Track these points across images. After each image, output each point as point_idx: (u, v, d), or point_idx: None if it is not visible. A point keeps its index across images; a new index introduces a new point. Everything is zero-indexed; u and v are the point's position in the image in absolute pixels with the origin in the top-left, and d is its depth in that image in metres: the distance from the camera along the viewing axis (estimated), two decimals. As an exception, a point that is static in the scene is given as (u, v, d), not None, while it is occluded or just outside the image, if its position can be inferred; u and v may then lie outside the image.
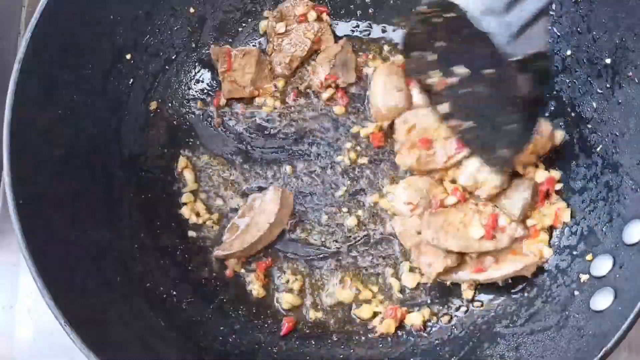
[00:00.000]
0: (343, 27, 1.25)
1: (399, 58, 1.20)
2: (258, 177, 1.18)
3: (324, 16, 1.23)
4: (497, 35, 0.81)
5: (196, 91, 1.22)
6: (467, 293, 1.09)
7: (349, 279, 1.12)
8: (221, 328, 1.08)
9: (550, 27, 1.10)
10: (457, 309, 1.09)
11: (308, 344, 1.09)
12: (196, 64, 1.23)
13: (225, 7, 1.23)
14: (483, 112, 0.98)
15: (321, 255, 1.14)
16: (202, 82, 1.23)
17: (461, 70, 0.99)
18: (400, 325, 1.09)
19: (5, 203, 0.90)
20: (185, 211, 1.16)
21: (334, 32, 1.24)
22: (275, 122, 1.21)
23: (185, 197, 1.16)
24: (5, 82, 0.93)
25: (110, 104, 1.11)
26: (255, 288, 1.12)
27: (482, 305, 1.08)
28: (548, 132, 1.09)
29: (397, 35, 1.23)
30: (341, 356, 1.08)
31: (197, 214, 1.16)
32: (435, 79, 1.08)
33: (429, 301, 1.10)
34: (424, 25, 1.00)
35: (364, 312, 1.10)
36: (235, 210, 1.16)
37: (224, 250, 1.12)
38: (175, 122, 1.20)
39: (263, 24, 1.24)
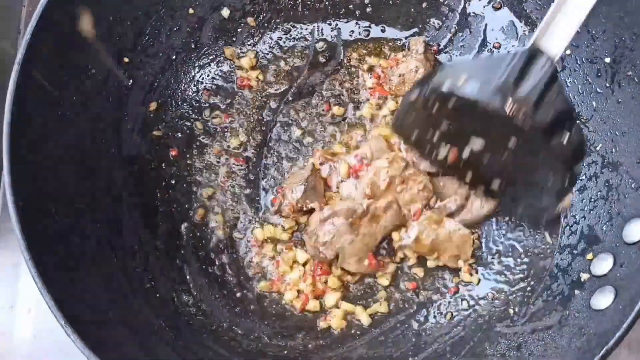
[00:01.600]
0: (342, 27, 1.25)
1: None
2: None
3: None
4: (516, 111, 0.85)
5: (195, 92, 1.23)
6: (466, 276, 1.09)
7: None
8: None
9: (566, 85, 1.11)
10: (457, 308, 1.09)
11: (308, 344, 1.09)
12: (195, 65, 1.22)
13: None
14: (515, 175, 1.00)
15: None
16: (202, 82, 1.23)
17: (478, 141, 0.97)
18: (402, 325, 1.09)
19: (5, 203, 0.90)
20: (184, 211, 1.16)
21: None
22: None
23: (185, 197, 1.16)
24: (5, 82, 0.93)
25: (110, 104, 1.10)
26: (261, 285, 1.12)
27: (482, 305, 1.08)
28: None
29: (393, 33, 1.24)
30: (342, 356, 1.07)
31: (202, 216, 1.16)
32: (444, 152, 1.04)
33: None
34: (425, 109, 0.97)
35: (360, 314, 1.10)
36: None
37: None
38: (174, 123, 1.20)
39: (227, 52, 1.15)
